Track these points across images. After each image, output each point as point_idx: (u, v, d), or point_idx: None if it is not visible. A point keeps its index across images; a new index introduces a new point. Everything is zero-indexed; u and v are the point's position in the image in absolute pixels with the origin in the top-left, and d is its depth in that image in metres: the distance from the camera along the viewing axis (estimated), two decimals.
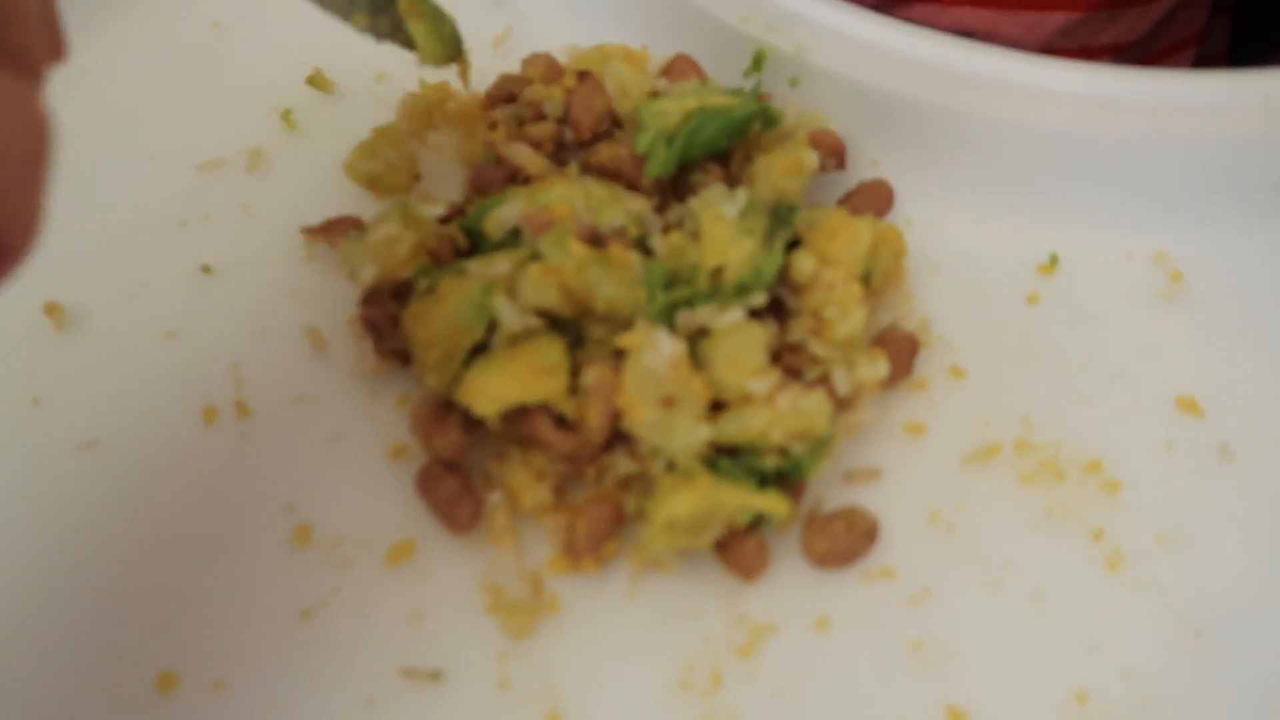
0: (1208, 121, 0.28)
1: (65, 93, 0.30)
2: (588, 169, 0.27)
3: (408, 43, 0.26)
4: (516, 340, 0.24)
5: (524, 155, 0.27)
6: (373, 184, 0.28)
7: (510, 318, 0.24)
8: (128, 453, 0.24)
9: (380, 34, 0.25)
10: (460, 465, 0.24)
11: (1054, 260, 0.28)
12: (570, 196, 0.25)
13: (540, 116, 0.28)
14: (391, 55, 0.30)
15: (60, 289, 0.26)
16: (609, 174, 0.27)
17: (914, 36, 0.29)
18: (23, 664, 0.22)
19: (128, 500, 0.24)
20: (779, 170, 0.26)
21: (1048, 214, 0.28)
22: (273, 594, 0.22)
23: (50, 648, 0.22)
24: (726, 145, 0.27)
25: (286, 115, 0.29)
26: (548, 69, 0.29)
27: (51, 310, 0.26)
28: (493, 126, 0.28)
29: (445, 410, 0.24)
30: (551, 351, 0.24)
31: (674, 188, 0.27)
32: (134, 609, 0.22)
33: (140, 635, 0.22)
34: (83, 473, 0.24)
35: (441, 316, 0.24)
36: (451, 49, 0.26)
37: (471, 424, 0.24)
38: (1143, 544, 0.24)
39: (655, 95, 0.28)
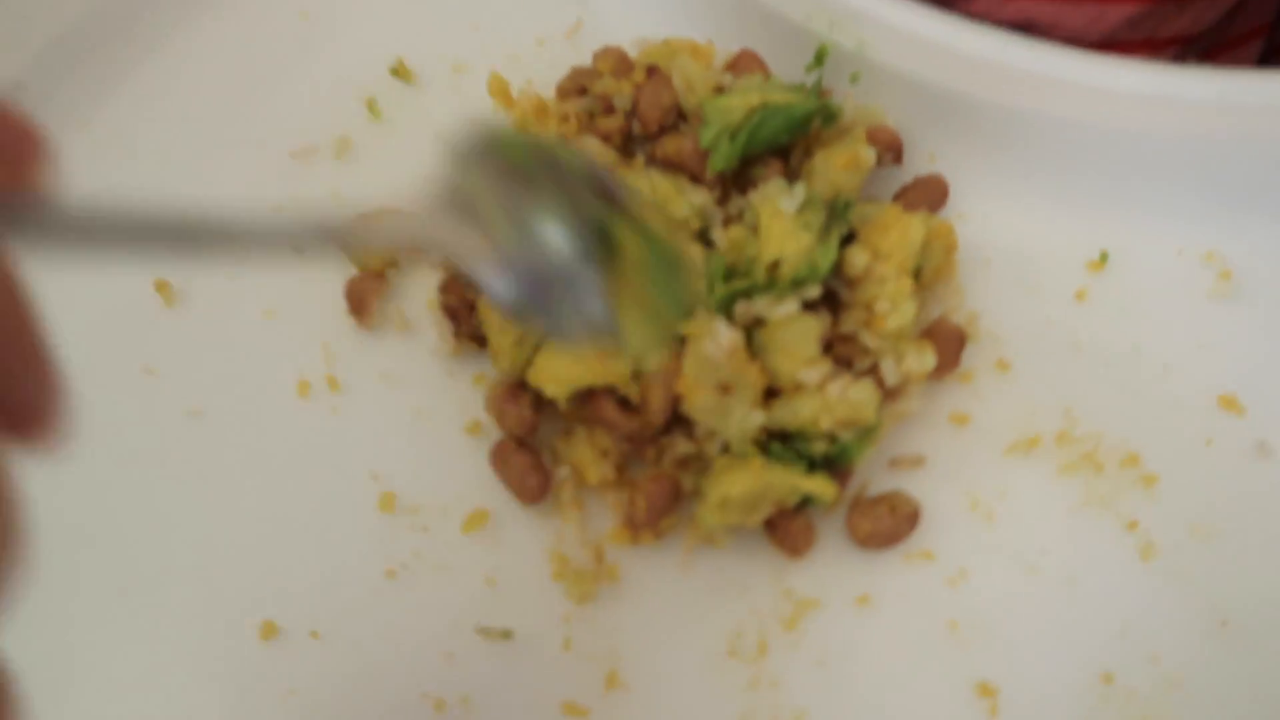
0: (1266, 122, 0.28)
1: (163, 84, 0.32)
2: (653, 161, 0.29)
3: (613, 338, 0.19)
4: None
5: (593, 148, 0.29)
6: None
7: None
8: (230, 421, 0.26)
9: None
10: (531, 442, 0.25)
11: (1104, 257, 0.28)
12: (637, 188, 0.27)
13: (610, 110, 0.30)
14: (468, 46, 0.32)
15: (168, 268, 0.28)
16: (674, 166, 0.28)
17: (972, 33, 0.29)
18: (140, 611, 0.24)
19: (230, 464, 0.26)
20: (837, 166, 0.27)
21: (1100, 210, 0.29)
22: (361, 554, 0.24)
23: (165, 597, 0.25)
24: (787, 140, 0.28)
25: (371, 104, 0.31)
26: (618, 63, 0.31)
27: (160, 287, 0.28)
28: (564, 119, 0.29)
29: (518, 390, 0.26)
30: None
31: (736, 181, 0.28)
32: (238, 563, 0.25)
33: (244, 587, 0.24)
34: (189, 437, 0.26)
35: None
36: (666, 330, 0.20)
37: (541, 404, 0.26)
38: (1176, 536, 0.25)
39: (720, 90, 0.29)
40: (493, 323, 0.26)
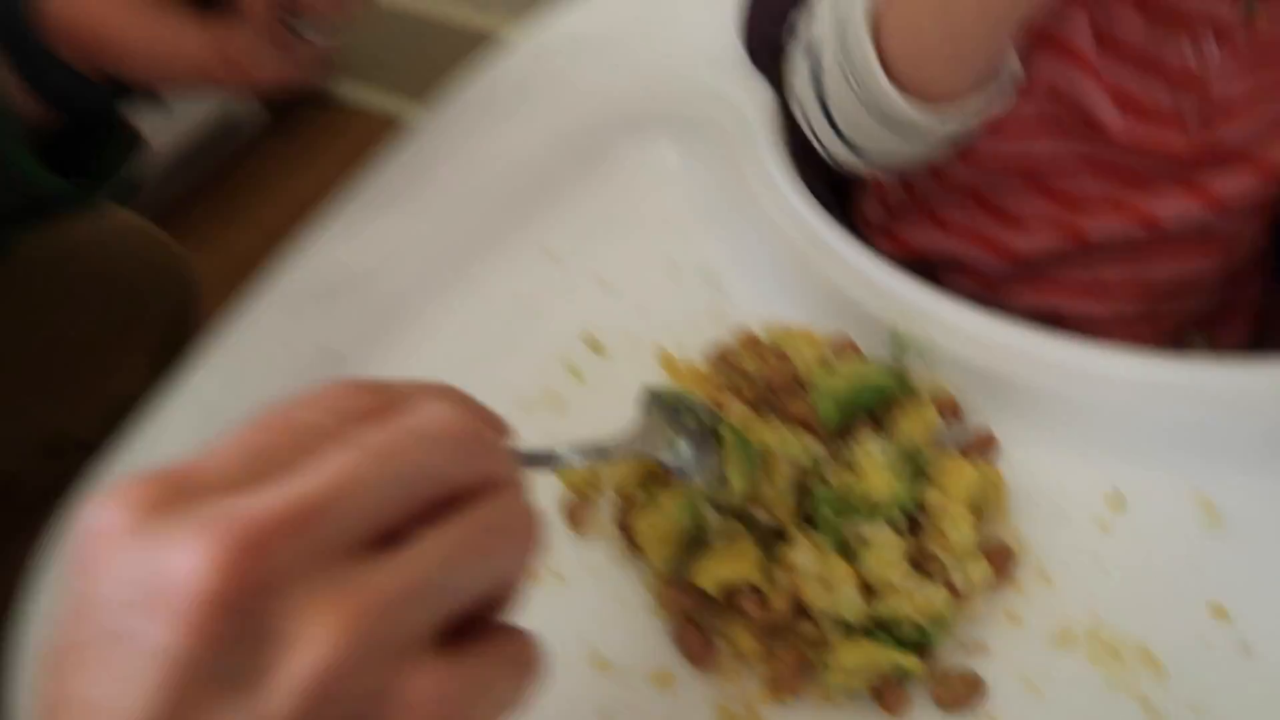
0: (1244, 403, 0.38)
1: (421, 347, 0.44)
2: (781, 417, 0.40)
3: (720, 478, 0.34)
4: (722, 535, 0.36)
5: (736, 409, 0.40)
6: None
7: (714, 519, 0.36)
8: None
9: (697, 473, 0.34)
10: (697, 621, 0.35)
11: (1120, 498, 0.38)
12: (770, 440, 0.38)
13: (747, 377, 0.41)
14: (639, 323, 0.44)
15: None
16: (796, 423, 0.39)
17: (1007, 327, 0.41)
18: None
19: None
20: (913, 426, 0.38)
21: (1115, 460, 0.39)
22: (574, 700, 0.34)
23: None
24: (877, 405, 0.39)
25: (573, 369, 0.43)
26: (751, 342, 0.42)
27: None
28: (718, 388, 0.41)
29: (683, 585, 0.36)
30: (746, 546, 0.36)
31: (841, 435, 0.39)
32: None
33: None
34: None
35: (663, 518, 0.37)
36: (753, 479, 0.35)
37: (702, 594, 0.36)
38: (1180, 712, 0.33)
39: (827, 366, 0.40)
40: (645, 534, 0.37)
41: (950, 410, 0.39)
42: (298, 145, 1.31)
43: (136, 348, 0.72)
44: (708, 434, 0.35)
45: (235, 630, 0.17)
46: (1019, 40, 0.40)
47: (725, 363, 0.42)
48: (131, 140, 0.52)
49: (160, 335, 0.74)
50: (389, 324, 0.45)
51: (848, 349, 0.41)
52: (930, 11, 0.38)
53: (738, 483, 0.35)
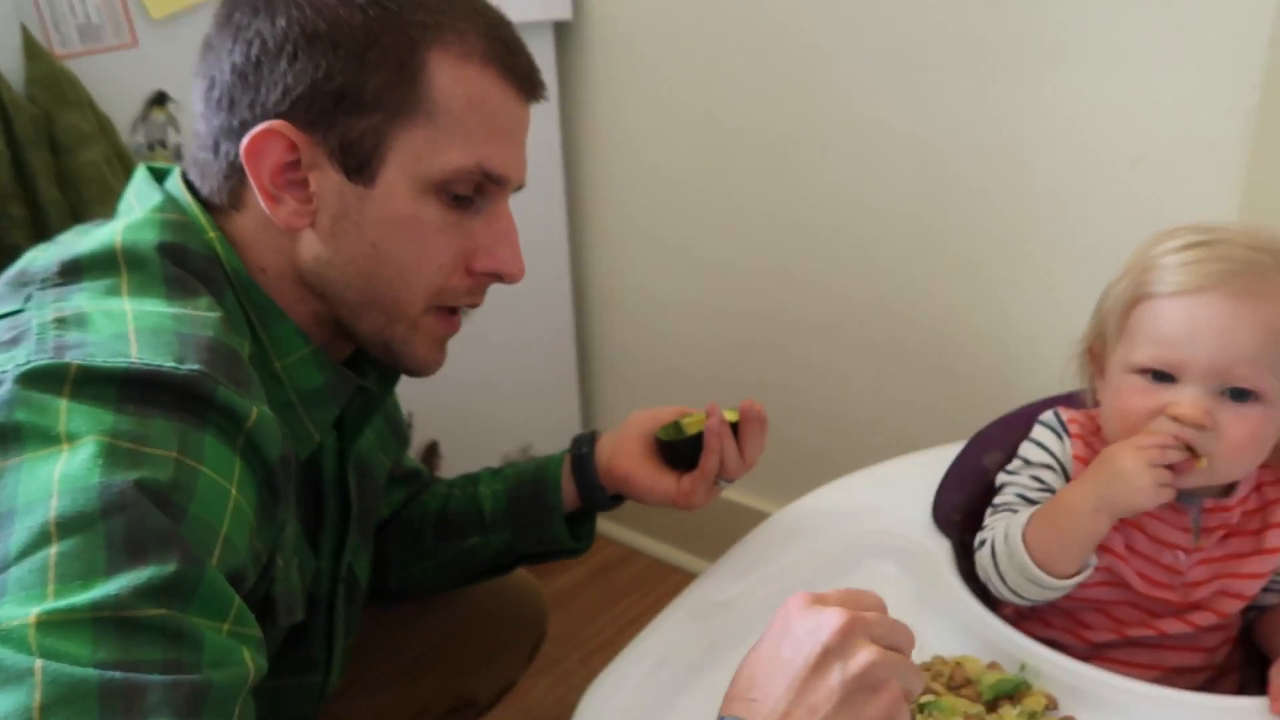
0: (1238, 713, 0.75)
1: None
2: (960, 695, 0.78)
3: None
4: None
5: (940, 691, 0.79)
6: None
7: None
8: None
9: None
10: None
11: None
12: (956, 704, 0.76)
13: (941, 677, 0.80)
14: None
15: None
16: (969, 699, 0.78)
17: (1080, 667, 0.79)
18: None
19: None
20: (1032, 704, 0.76)
21: None
22: None
23: None
24: (1011, 693, 0.78)
25: None
26: (944, 661, 0.82)
27: None
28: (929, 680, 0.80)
29: None
30: None
31: (992, 707, 0.77)
32: None
33: None
34: None
35: None
36: None
37: None
38: None
39: (984, 673, 0.79)
40: None
41: (1051, 702, 0.77)
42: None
43: (515, 644, 1.14)
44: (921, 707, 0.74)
45: (843, 643, 0.58)
46: (1092, 550, 0.84)
47: (929, 670, 0.82)
48: (593, 524, 1.00)
49: (531, 639, 1.15)
50: None
51: (995, 667, 0.81)
52: (1053, 539, 0.83)
53: None
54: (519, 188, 0.76)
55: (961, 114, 1.26)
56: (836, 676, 0.56)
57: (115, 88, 1.09)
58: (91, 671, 0.45)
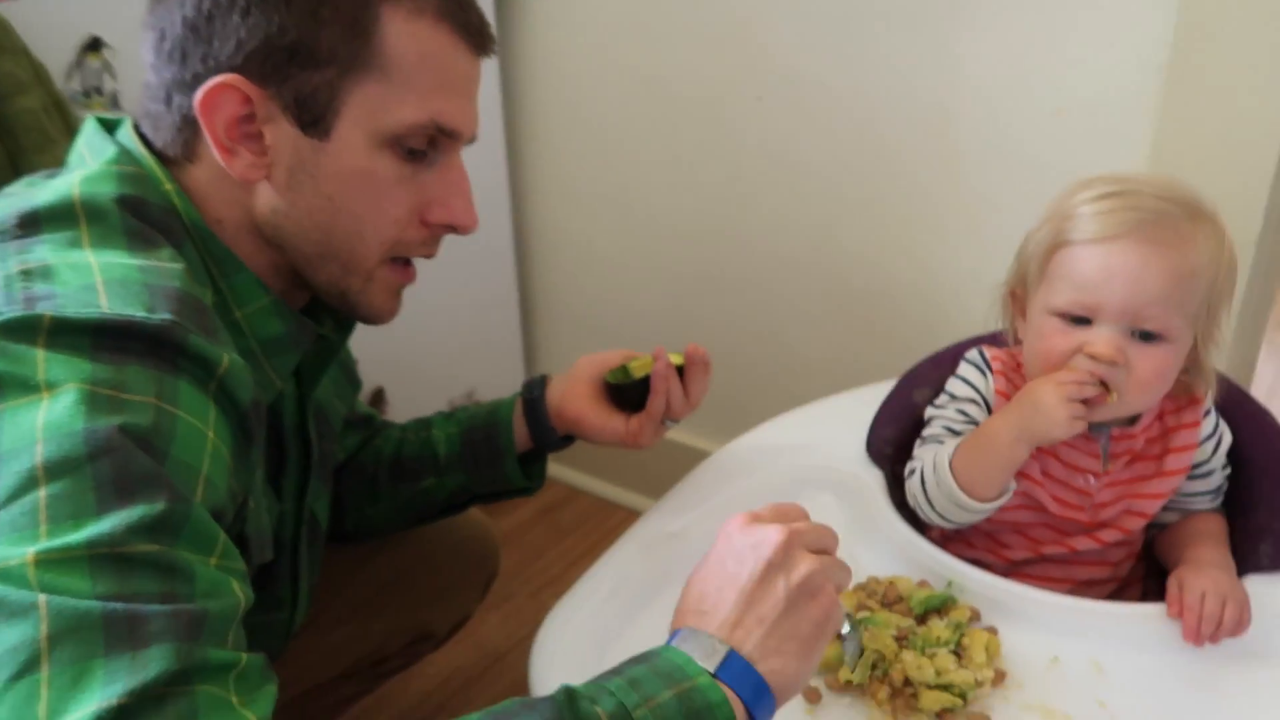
0: (1135, 617, 0.83)
1: None
2: (892, 611, 0.85)
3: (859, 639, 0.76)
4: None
5: (875, 608, 0.85)
6: None
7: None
8: None
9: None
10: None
11: (1055, 659, 0.81)
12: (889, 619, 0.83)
13: (875, 595, 0.87)
14: None
15: None
16: (900, 613, 0.84)
17: (999, 581, 0.86)
18: None
19: None
20: (958, 615, 0.83)
21: (1055, 638, 0.82)
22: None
23: None
24: (939, 607, 0.84)
25: None
26: (876, 581, 0.88)
27: None
28: (860, 599, 0.86)
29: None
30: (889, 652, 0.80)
31: (921, 619, 0.84)
32: None
33: None
34: None
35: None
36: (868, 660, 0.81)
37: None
38: None
39: (914, 591, 0.86)
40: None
41: (975, 615, 0.84)
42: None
43: (469, 578, 1.18)
44: (855, 624, 0.79)
45: (784, 556, 0.64)
46: (1012, 476, 0.90)
47: (864, 590, 0.88)
48: (544, 464, 1.03)
49: (484, 574, 1.19)
50: None
51: (925, 584, 0.88)
52: (977, 466, 0.89)
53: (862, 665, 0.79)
54: (471, 141, 0.78)
55: (891, 67, 1.30)
56: (781, 587, 0.61)
57: (47, 33, 1.07)
58: (94, 603, 0.47)
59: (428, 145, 0.73)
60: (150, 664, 0.47)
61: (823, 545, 0.66)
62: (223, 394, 0.61)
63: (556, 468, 1.89)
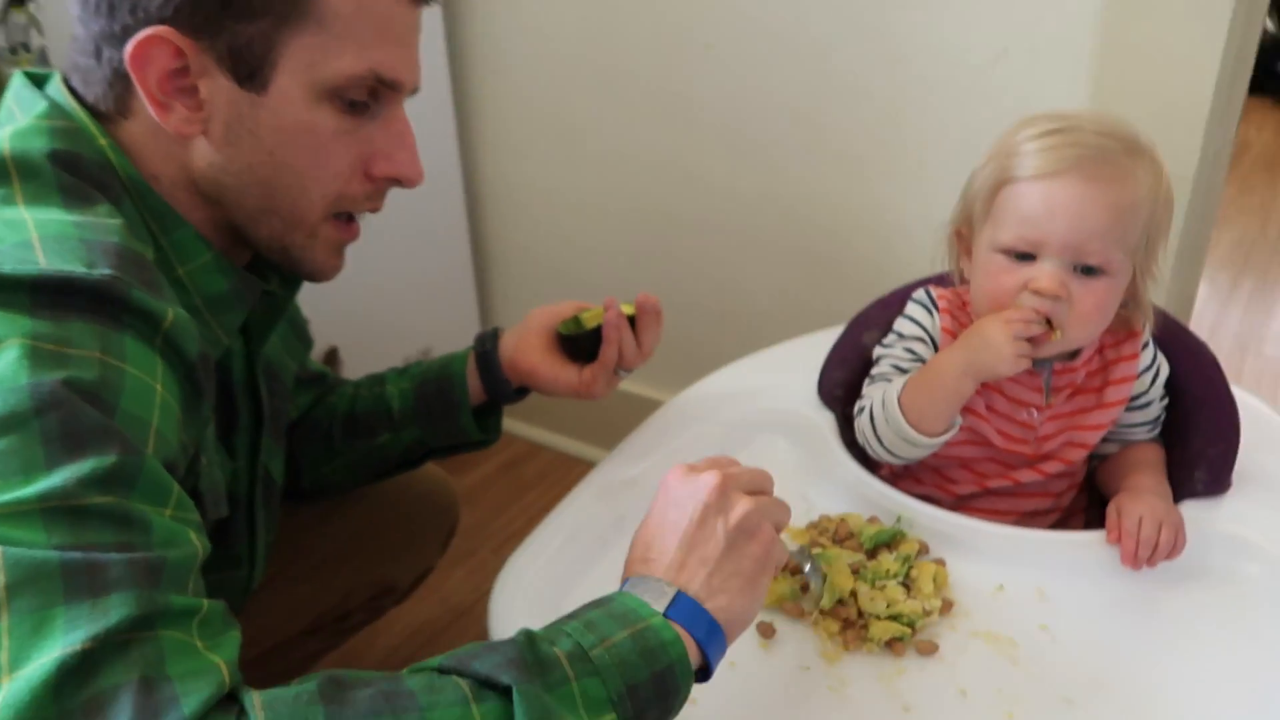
0: (1076, 546, 0.85)
1: None
2: (844, 547, 0.87)
3: (820, 572, 0.84)
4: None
5: (826, 544, 0.87)
6: None
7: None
8: None
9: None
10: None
11: (1000, 587, 0.84)
12: (841, 554, 0.85)
13: (827, 532, 0.89)
14: None
15: None
16: (851, 549, 0.86)
17: (950, 516, 0.89)
18: None
19: None
20: (907, 549, 0.86)
21: (1000, 567, 0.85)
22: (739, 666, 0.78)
23: None
24: (889, 542, 0.87)
25: None
26: (829, 519, 0.90)
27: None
28: (814, 535, 0.88)
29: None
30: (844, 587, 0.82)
31: (872, 554, 0.86)
32: None
33: None
34: None
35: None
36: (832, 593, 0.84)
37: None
38: (1031, 657, 0.77)
39: (864, 527, 0.88)
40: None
41: (923, 548, 0.87)
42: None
43: (429, 531, 1.19)
44: (814, 557, 0.83)
45: (720, 499, 0.65)
46: (959, 411, 0.92)
47: (816, 528, 0.90)
48: (500, 416, 1.04)
49: (445, 526, 1.20)
50: None
51: (875, 520, 0.90)
52: (924, 401, 0.91)
53: (829, 592, 0.81)
54: (413, 92, 0.77)
55: (837, 10, 1.30)
56: (720, 528, 0.63)
57: None
58: (51, 553, 0.47)
59: (369, 97, 0.72)
60: (111, 610, 0.47)
61: (757, 486, 0.68)
62: (169, 348, 0.61)
63: (517, 424, 1.90)
